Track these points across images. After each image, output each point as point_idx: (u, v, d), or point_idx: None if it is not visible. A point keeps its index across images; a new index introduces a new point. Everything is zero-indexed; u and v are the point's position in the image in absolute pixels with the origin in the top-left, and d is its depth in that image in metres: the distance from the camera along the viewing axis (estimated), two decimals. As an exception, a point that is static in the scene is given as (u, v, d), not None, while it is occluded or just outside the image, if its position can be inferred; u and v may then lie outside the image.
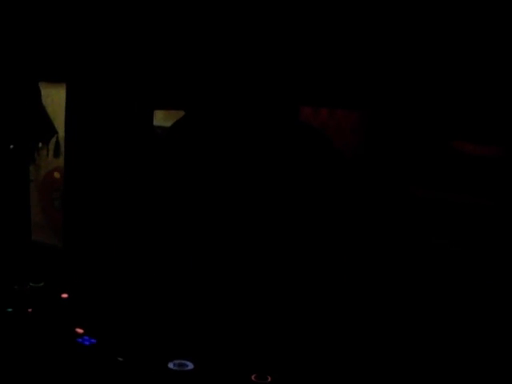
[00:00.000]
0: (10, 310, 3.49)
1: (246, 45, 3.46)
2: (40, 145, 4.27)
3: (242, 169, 3.37)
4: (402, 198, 3.28)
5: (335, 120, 3.56)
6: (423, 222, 3.24)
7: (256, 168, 3.38)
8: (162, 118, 3.97)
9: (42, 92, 4.25)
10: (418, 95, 3.24)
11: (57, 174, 4.34)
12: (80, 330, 3.32)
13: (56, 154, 4.25)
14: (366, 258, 3.28)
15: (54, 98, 4.28)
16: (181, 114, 3.87)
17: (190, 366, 2.99)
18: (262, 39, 3.44)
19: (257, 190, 3.36)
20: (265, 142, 3.39)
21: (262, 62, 3.48)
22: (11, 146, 4.05)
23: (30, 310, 3.51)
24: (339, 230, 3.33)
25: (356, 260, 3.31)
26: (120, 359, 3.03)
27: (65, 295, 3.67)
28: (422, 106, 3.25)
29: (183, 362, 3.01)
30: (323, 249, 3.32)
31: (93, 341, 3.24)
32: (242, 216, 3.37)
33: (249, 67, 3.50)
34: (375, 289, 3.24)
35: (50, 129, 4.22)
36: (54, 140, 4.25)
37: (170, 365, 3.00)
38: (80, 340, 3.24)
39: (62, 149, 4.21)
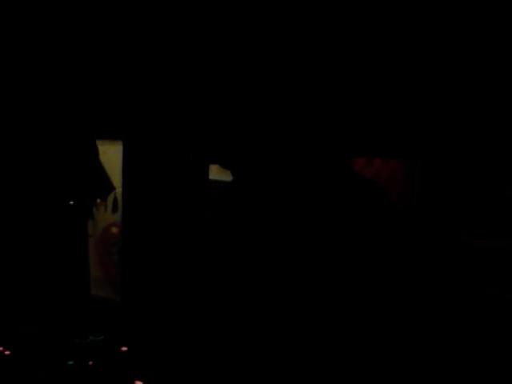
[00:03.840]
0: (71, 362, 3.54)
1: (299, 99, 3.53)
2: (98, 201, 4.38)
3: (298, 221, 3.40)
4: (454, 246, 3.27)
5: (388, 169, 3.59)
6: (477, 270, 3.22)
7: (311, 219, 3.40)
8: (217, 172, 4.04)
9: (99, 149, 4.38)
10: (470, 144, 3.25)
11: (114, 229, 4.44)
12: (139, 383, 3.35)
13: (114, 210, 4.35)
14: (420, 307, 3.26)
15: (111, 155, 4.41)
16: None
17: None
18: (314, 91, 3.50)
19: (312, 240, 3.38)
20: (319, 195, 3.43)
21: (315, 114, 3.54)
22: (71, 203, 4.16)
23: (90, 362, 3.56)
24: (393, 279, 3.32)
25: (410, 309, 3.29)
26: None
27: (124, 348, 3.72)
28: (474, 154, 3.26)
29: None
30: (377, 298, 3.31)
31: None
32: (298, 268, 3.39)
33: (302, 119, 3.56)
34: (428, 339, 3.22)
35: (107, 185, 4.33)
36: (111, 196, 4.36)
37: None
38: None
39: (120, 204, 4.31)
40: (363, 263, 3.32)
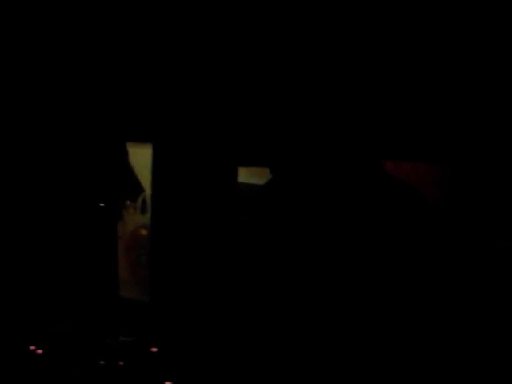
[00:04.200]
0: (102, 362, 3.58)
1: (330, 103, 3.54)
2: (127, 202, 4.42)
3: (333, 223, 3.41)
4: (485, 249, 3.27)
5: (417, 172, 3.59)
6: (508, 273, 3.21)
7: (344, 220, 3.42)
8: (246, 175, 4.07)
9: (129, 151, 4.42)
10: (500, 145, 3.25)
11: (143, 231, 4.47)
12: (169, 384, 3.39)
13: (143, 212, 4.39)
14: (449, 311, 3.26)
15: (139, 158, 4.45)
16: (265, 171, 3.97)
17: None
18: (343, 95, 3.51)
19: (344, 242, 3.39)
20: (351, 196, 3.44)
21: (345, 117, 3.55)
22: (102, 205, 4.20)
23: (121, 363, 3.60)
24: (424, 283, 3.31)
25: (439, 312, 3.29)
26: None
27: (154, 349, 3.75)
28: (502, 156, 3.26)
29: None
30: (404, 300, 3.31)
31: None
32: (331, 271, 3.40)
33: (334, 122, 3.57)
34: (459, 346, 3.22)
35: (137, 187, 4.38)
36: (140, 198, 4.40)
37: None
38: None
39: (149, 206, 4.35)
40: (393, 263, 3.32)
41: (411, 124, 3.47)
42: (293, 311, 3.36)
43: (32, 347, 3.63)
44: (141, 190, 4.39)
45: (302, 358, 3.14)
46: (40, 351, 3.61)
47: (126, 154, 4.40)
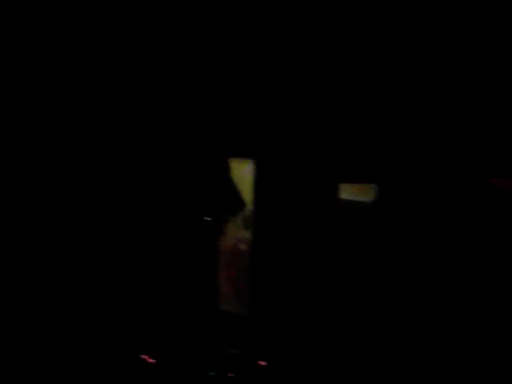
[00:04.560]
0: (212, 373, 3.63)
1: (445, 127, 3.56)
2: (229, 217, 4.48)
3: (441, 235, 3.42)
4: None
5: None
6: None
7: (453, 233, 3.43)
8: (348, 192, 4.09)
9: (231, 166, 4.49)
10: None
11: (242, 246, 4.52)
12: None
13: (244, 227, 4.44)
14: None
15: (239, 173, 4.51)
16: (367, 187, 3.99)
17: None
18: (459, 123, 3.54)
19: (450, 254, 3.40)
20: (461, 210, 3.45)
21: (451, 133, 3.56)
22: (207, 219, 4.28)
23: (231, 375, 3.64)
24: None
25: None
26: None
27: (263, 363, 3.78)
28: None
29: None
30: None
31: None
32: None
33: (439, 138, 3.59)
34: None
35: (238, 202, 4.43)
36: (242, 213, 4.45)
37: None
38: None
39: (250, 221, 4.40)
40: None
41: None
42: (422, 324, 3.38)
43: (144, 356, 3.71)
44: (242, 205, 4.44)
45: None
46: (153, 361, 3.69)
47: (228, 169, 4.47)
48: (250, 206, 4.41)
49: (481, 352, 3.25)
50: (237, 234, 4.54)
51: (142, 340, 3.84)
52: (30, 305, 3.92)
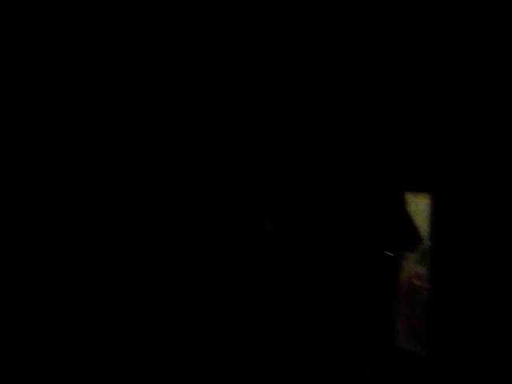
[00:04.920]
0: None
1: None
2: (406, 252, 4.40)
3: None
4: None
5: None
6: None
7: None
8: None
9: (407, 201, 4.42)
10: None
11: (417, 281, 4.41)
12: None
13: (421, 262, 4.34)
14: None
15: (414, 207, 4.42)
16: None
17: None
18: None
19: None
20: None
21: None
22: (388, 254, 4.24)
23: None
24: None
25: None
26: None
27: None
28: None
29: None
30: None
31: None
32: None
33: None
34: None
35: (415, 237, 4.35)
36: (419, 248, 4.36)
37: None
38: None
39: (426, 256, 4.30)
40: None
41: None
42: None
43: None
44: (419, 239, 4.35)
45: None
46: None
47: (403, 202, 4.40)
48: (425, 240, 4.31)
49: None
50: (413, 270, 4.44)
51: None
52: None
